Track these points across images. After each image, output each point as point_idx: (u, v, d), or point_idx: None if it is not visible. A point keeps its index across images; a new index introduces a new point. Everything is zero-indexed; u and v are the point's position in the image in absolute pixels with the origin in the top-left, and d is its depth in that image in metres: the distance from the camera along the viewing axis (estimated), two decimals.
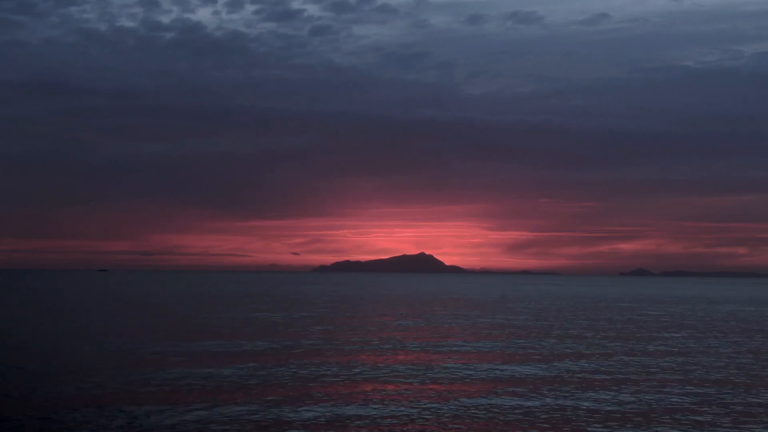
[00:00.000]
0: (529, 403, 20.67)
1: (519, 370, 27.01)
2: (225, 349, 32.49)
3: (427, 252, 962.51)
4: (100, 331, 40.73)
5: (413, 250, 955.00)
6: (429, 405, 20.34)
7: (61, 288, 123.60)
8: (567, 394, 22.14)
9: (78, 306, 67.63)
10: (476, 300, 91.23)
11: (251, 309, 64.17)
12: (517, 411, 19.68)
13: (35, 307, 65.98)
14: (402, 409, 19.82)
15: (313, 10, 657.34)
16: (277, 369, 26.39)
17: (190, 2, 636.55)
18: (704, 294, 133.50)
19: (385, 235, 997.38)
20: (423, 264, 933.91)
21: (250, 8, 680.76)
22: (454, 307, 71.66)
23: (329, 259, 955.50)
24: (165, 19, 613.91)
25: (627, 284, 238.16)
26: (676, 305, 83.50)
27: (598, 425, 18.19)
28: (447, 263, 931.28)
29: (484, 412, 19.56)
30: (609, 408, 20.31)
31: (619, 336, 41.60)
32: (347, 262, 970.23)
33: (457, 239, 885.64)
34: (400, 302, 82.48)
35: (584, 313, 65.07)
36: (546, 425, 18.12)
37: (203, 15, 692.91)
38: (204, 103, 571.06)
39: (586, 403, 20.84)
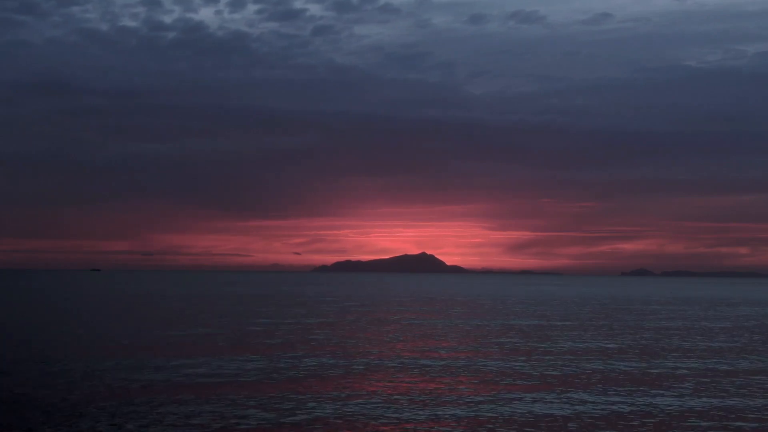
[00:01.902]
0: None
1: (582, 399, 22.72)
2: (211, 370, 28.20)
3: (428, 252, 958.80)
4: (71, 341, 36.55)
5: (414, 250, 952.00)
6: None
7: (44, 289, 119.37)
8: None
9: (56, 310, 63.49)
10: (481, 301, 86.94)
11: (249, 313, 59.90)
12: None
13: (6, 311, 61.88)
14: None
15: (315, 9, 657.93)
16: (270, 399, 22.13)
17: (192, 2, 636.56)
18: (712, 294, 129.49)
19: (386, 235, 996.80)
20: (424, 264, 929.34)
21: (252, 8, 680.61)
22: (464, 310, 67.40)
23: (330, 258, 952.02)
24: (167, 19, 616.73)
25: (631, 284, 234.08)
26: (715, 308, 79.38)
27: None
28: (448, 263, 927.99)
29: None
30: None
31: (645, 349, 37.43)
32: (348, 261, 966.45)
33: (458, 239, 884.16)
34: (403, 304, 78.20)
35: (599, 316, 60.97)
36: None
37: (205, 15, 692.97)
38: (205, 103, 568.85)
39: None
